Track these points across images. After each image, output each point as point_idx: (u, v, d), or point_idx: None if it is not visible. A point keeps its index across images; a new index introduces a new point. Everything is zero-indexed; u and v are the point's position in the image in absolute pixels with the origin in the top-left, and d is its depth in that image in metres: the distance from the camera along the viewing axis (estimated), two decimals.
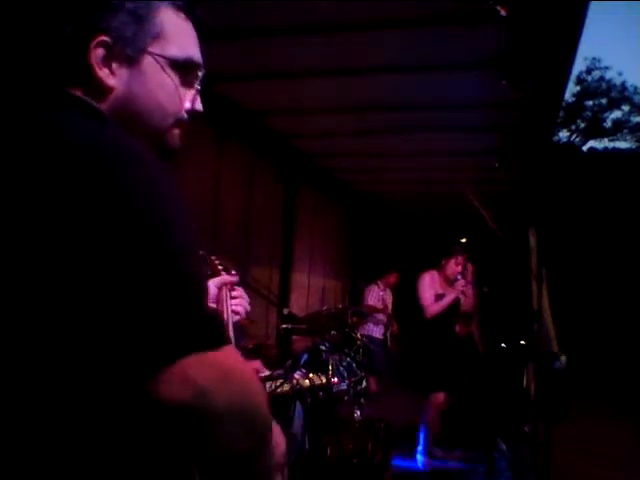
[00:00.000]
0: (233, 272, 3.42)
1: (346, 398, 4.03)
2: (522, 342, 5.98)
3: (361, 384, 4.34)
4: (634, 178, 15.15)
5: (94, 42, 0.92)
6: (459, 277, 5.27)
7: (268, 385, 3.13)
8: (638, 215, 13.51)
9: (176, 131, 1.04)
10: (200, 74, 1.08)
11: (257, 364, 3.19)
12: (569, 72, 4.16)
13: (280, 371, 3.35)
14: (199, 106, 1.09)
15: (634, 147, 23.80)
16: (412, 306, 5.48)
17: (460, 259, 5.33)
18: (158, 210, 0.82)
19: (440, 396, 5.21)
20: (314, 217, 8.14)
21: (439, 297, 5.26)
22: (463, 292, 5.25)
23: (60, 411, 0.80)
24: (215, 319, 0.86)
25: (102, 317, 0.77)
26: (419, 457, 5.15)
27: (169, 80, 1.00)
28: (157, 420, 0.81)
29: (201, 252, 2.00)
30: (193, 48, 1.06)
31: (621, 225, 13.81)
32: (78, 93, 0.93)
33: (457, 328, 5.61)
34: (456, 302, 5.36)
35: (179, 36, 1.02)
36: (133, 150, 0.84)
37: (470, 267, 5.43)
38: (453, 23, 3.44)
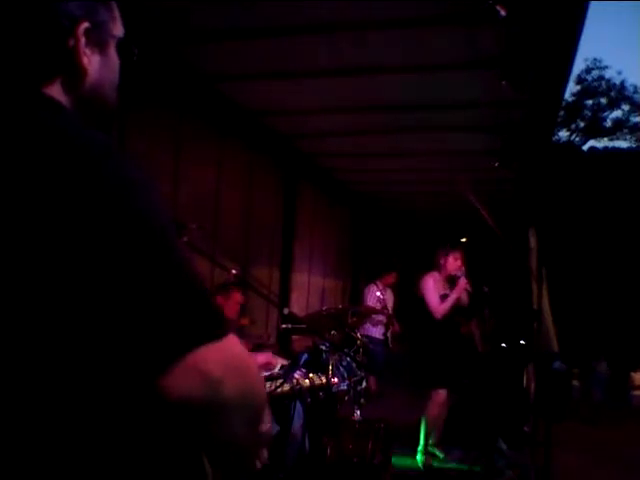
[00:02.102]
0: (233, 271, 3.42)
1: (346, 398, 4.03)
2: (522, 342, 5.98)
3: (361, 384, 4.33)
4: (634, 178, 15.15)
5: (80, 29, 0.91)
6: (459, 274, 5.25)
7: (268, 385, 3.13)
8: (638, 215, 13.51)
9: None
10: None
11: (269, 355, 3.20)
12: (569, 72, 4.16)
13: (280, 371, 3.35)
14: None
15: (634, 146, 23.82)
16: (414, 306, 5.47)
17: (457, 254, 5.34)
18: (151, 209, 0.82)
19: (442, 393, 5.21)
20: (314, 217, 8.14)
21: (443, 297, 5.25)
22: (466, 288, 5.25)
23: (74, 408, 0.80)
24: (217, 309, 0.85)
25: (108, 315, 0.77)
26: (419, 457, 5.15)
27: (117, 59, 1.01)
28: (168, 412, 0.80)
29: None
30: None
31: (621, 225, 13.81)
32: (57, 84, 0.92)
33: (463, 329, 5.62)
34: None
35: (118, 15, 1.01)
36: (112, 150, 0.84)
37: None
38: (453, 23, 3.45)
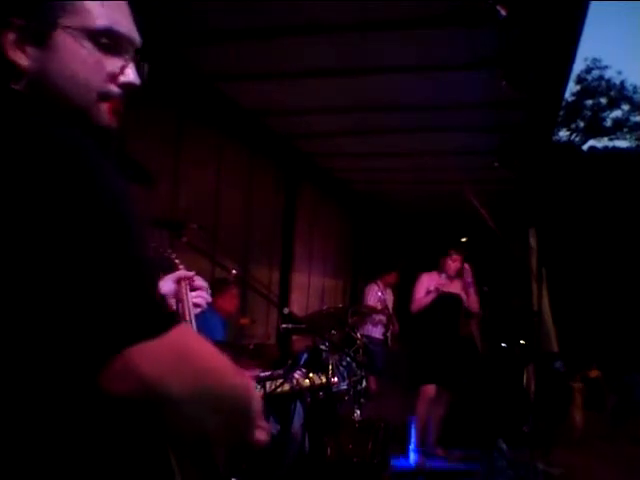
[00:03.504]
0: (233, 271, 3.42)
1: (346, 398, 4.03)
2: (522, 342, 5.99)
3: (361, 384, 4.34)
4: (634, 178, 15.14)
5: (6, 26, 0.91)
6: (443, 276, 5.33)
7: (268, 385, 3.13)
8: (638, 215, 13.51)
9: (103, 106, 0.96)
10: (128, 43, 0.99)
11: (255, 371, 3.20)
12: (569, 72, 4.16)
13: (280, 371, 3.35)
14: (132, 78, 0.99)
15: (634, 146, 23.80)
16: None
17: (455, 256, 5.39)
18: (97, 200, 0.79)
19: (430, 389, 5.25)
20: (314, 217, 8.14)
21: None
22: (438, 288, 5.33)
23: (22, 407, 0.78)
24: (155, 304, 0.82)
25: (42, 312, 0.76)
26: (412, 455, 5.15)
27: (85, 52, 0.93)
28: (116, 410, 0.79)
29: (160, 249, 2.05)
30: (115, 17, 0.96)
31: (621, 225, 13.81)
32: (21, 80, 0.92)
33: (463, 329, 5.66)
34: (458, 303, 5.39)
35: (96, 6, 0.95)
36: (72, 140, 0.83)
37: (467, 267, 5.45)
38: (453, 23, 3.44)
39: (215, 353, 0.87)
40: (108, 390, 0.76)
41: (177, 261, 1.89)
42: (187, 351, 0.82)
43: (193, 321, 1.61)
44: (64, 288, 0.75)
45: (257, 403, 1.00)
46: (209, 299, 1.78)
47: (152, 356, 0.77)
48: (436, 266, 5.52)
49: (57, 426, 0.80)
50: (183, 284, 1.72)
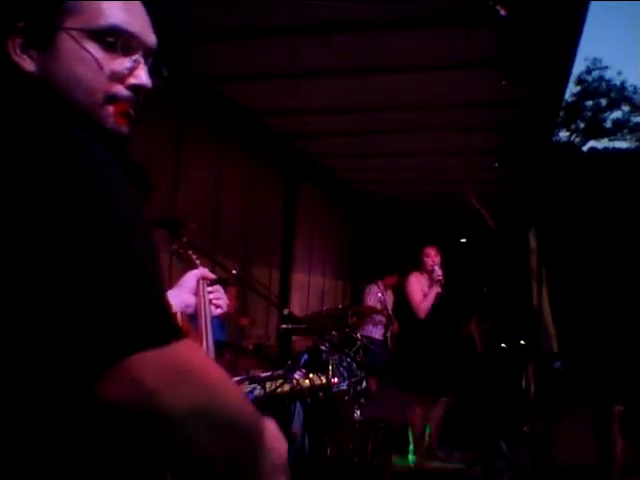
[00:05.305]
0: (234, 271, 3.42)
1: (346, 398, 4.03)
2: (522, 342, 5.98)
3: (361, 384, 4.33)
4: (634, 178, 15.14)
5: (11, 30, 0.90)
6: (436, 267, 5.25)
7: (268, 385, 3.13)
8: (638, 215, 13.51)
9: (109, 109, 0.93)
10: (138, 43, 0.95)
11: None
12: (569, 72, 4.16)
13: (280, 371, 3.35)
14: (143, 80, 0.95)
15: (634, 147, 23.81)
16: (404, 307, 5.47)
17: (429, 251, 5.30)
18: (104, 204, 0.78)
19: (426, 397, 5.23)
20: (314, 217, 8.14)
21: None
22: (439, 280, 5.20)
23: (13, 415, 0.77)
24: (163, 312, 0.80)
25: (39, 316, 0.74)
26: (410, 456, 5.15)
27: (86, 53, 0.90)
28: (112, 422, 0.77)
29: (177, 246, 2.06)
30: (122, 15, 0.93)
31: (621, 225, 13.81)
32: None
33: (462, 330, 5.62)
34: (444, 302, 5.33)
35: (100, 5, 0.92)
36: (71, 137, 0.82)
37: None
38: (453, 23, 3.45)
39: (219, 373, 0.85)
40: (105, 397, 0.74)
41: (198, 262, 1.91)
42: (190, 366, 0.80)
43: (209, 320, 1.63)
44: (67, 290, 0.74)
45: (274, 448, 0.96)
46: (227, 301, 1.81)
47: (154, 365, 0.75)
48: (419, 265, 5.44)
49: (50, 433, 0.78)
50: (201, 283, 1.75)
